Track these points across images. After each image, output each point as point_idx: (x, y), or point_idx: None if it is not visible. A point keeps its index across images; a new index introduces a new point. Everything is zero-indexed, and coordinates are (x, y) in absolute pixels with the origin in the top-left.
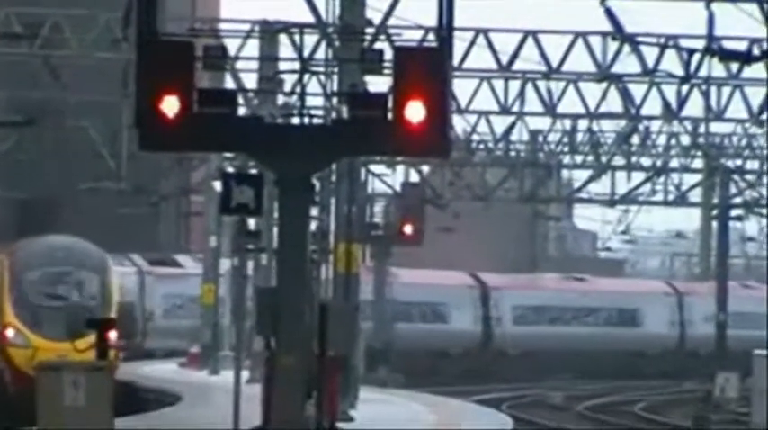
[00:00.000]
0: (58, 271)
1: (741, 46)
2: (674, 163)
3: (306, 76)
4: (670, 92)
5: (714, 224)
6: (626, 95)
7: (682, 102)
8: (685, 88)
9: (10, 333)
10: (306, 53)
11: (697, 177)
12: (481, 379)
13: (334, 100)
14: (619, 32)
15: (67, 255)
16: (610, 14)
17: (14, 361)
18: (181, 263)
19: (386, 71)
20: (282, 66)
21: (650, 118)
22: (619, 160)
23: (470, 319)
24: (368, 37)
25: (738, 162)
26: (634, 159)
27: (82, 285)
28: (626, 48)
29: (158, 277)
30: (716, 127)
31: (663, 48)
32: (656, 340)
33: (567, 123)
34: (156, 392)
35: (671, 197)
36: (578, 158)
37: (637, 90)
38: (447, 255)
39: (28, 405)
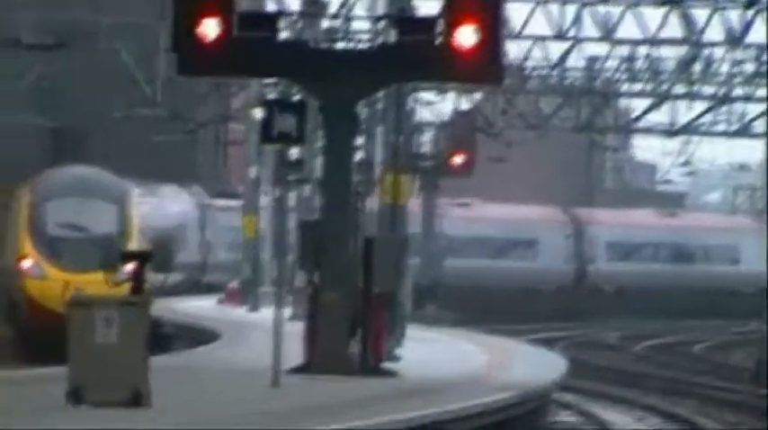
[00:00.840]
0: (75, 201)
1: None
2: (737, 92)
3: None
4: (734, 17)
5: None
6: (688, 20)
7: (746, 27)
8: (750, 13)
9: (27, 264)
10: None
11: (761, 107)
12: (574, 317)
13: (382, 23)
14: None
15: (87, 185)
16: None
17: (31, 292)
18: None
19: None
20: None
21: (713, 44)
22: (679, 89)
23: (563, 256)
24: None
25: None
26: (695, 88)
27: (100, 216)
28: None
29: (219, 209)
30: None
31: None
32: (753, 278)
33: (626, 49)
34: (193, 329)
35: (734, 127)
36: (637, 86)
37: (699, 15)
38: (498, 187)
39: (49, 339)
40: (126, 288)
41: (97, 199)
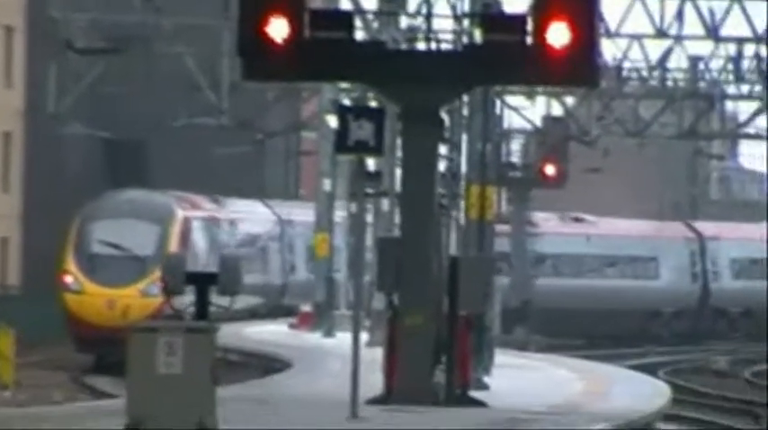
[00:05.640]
0: (118, 222)
1: None
2: None
3: None
4: None
5: None
6: None
7: None
8: None
9: (68, 279)
10: None
11: None
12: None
13: (466, 22)
14: None
15: (132, 207)
16: None
17: (70, 306)
18: None
19: None
20: None
21: None
22: None
23: None
24: None
25: None
26: None
27: (140, 236)
28: None
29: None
30: None
31: None
32: None
33: (732, 48)
34: (264, 357)
35: None
36: (744, 88)
37: None
38: (593, 199)
39: (91, 351)
40: (157, 302)
41: (139, 220)
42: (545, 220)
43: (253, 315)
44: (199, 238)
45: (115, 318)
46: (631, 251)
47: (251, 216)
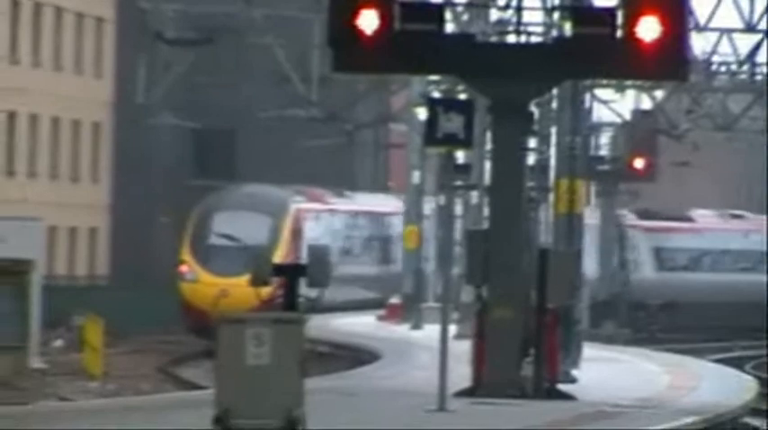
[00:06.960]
0: (234, 214)
1: None
2: None
3: None
4: None
5: None
6: None
7: None
8: None
9: (183, 269)
10: None
11: None
12: None
13: (556, 15)
14: None
15: (247, 200)
16: None
17: (184, 294)
18: None
19: None
20: None
21: None
22: None
23: None
24: None
25: None
26: None
27: (254, 228)
28: None
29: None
30: None
31: None
32: None
33: None
34: (352, 349)
35: None
36: None
37: None
38: (682, 193)
39: (204, 338)
40: (267, 290)
41: (254, 212)
42: (703, 217)
43: (377, 305)
44: (315, 230)
45: (227, 306)
46: None
47: (376, 208)
